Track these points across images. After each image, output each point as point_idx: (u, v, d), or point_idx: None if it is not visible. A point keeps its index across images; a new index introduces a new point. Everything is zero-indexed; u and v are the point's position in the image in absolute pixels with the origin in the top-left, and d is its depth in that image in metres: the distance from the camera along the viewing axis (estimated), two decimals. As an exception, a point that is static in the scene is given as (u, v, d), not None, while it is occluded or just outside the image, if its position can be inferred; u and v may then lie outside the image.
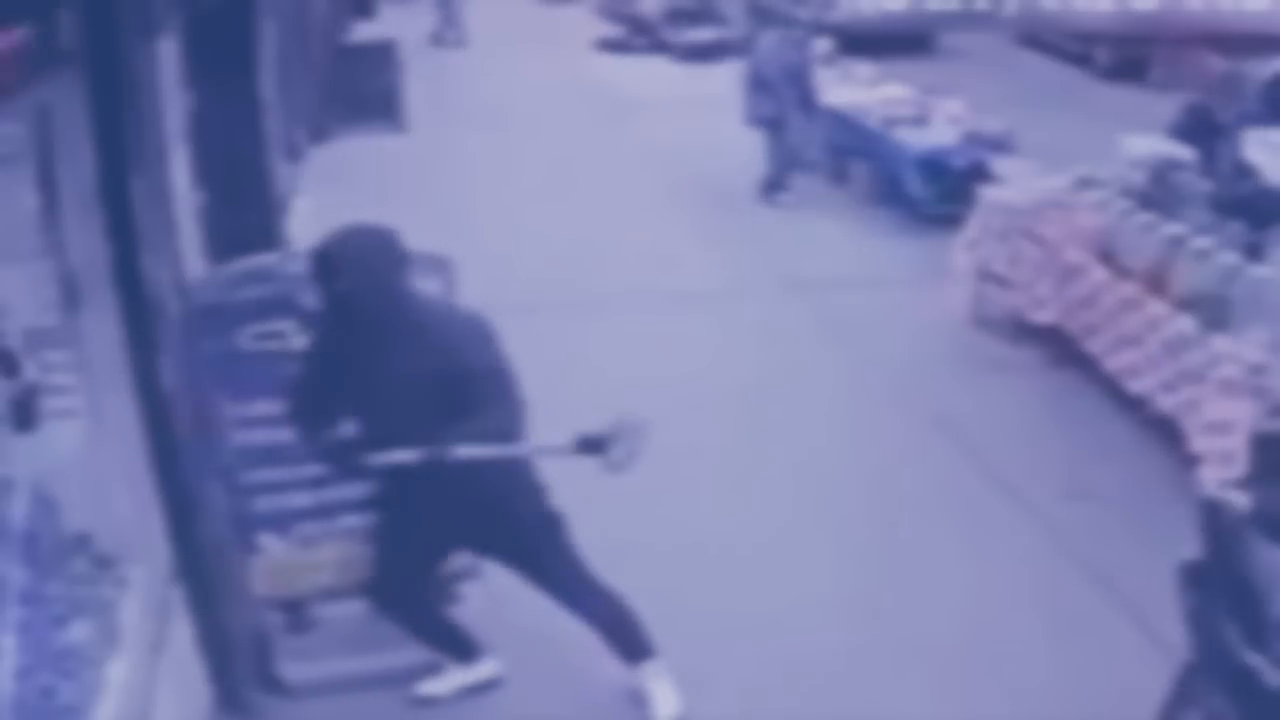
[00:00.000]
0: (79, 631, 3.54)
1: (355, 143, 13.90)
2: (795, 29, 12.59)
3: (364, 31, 18.59)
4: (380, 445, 4.18)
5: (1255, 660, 3.33)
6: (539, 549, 4.53)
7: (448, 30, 20.77)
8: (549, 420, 7.15)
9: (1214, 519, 3.62)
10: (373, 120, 14.42)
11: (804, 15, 14.74)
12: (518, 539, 4.53)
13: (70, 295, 4.07)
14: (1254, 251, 6.64)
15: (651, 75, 18.22)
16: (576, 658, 5.04)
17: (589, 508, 6.13)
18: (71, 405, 3.98)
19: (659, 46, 19.71)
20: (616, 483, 6.40)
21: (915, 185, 10.85)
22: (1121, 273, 7.17)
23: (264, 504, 4.76)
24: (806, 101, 11.81)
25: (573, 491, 6.34)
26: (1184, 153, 8.12)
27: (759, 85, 11.72)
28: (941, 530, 6.06)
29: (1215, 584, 3.54)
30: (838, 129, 12.00)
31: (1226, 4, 12.17)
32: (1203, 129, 8.57)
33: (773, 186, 11.81)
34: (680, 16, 20.19)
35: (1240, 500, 3.59)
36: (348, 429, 4.33)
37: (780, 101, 11.65)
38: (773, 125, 11.81)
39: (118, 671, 3.76)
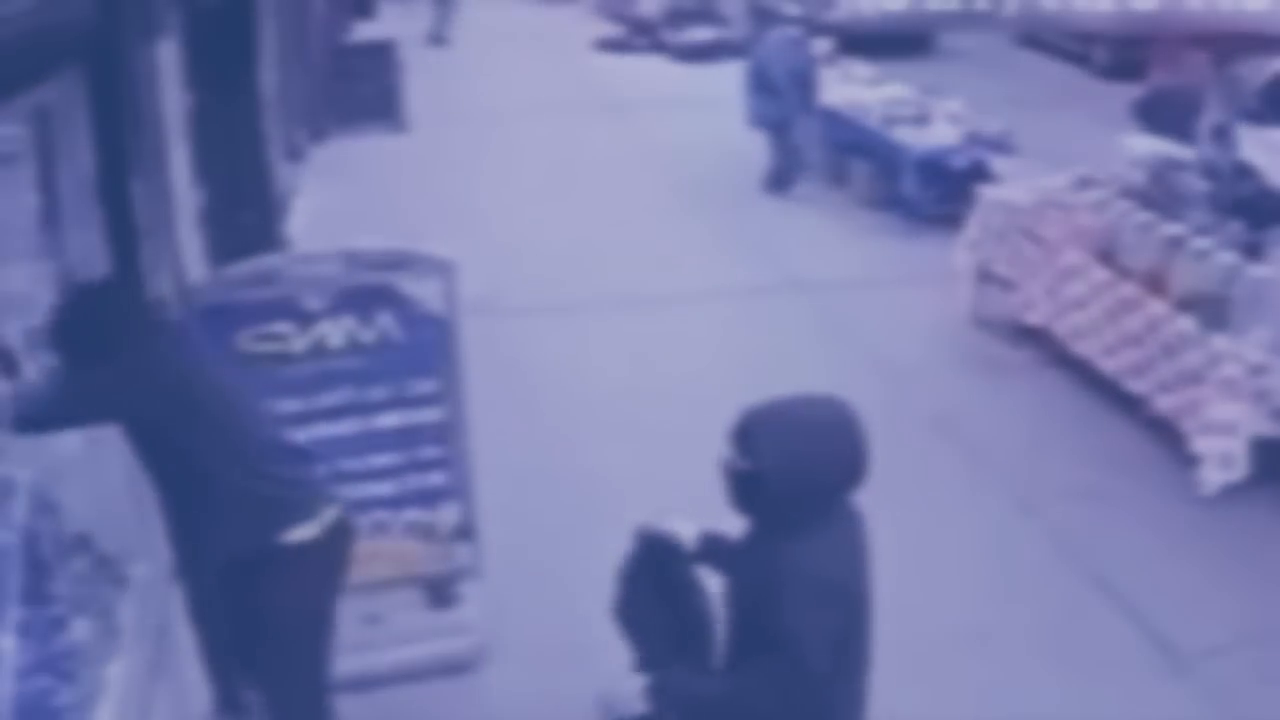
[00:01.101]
0: (79, 631, 3.54)
1: (355, 143, 13.90)
2: (795, 29, 12.60)
3: (363, 31, 18.60)
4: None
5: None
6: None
7: (441, 28, 20.87)
8: (553, 418, 7.19)
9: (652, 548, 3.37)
10: (373, 120, 14.42)
11: (800, 14, 14.80)
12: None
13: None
14: (1254, 251, 6.65)
15: (651, 75, 18.20)
16: (576, 659, 5.04)
17: (588, 506, 6.15)
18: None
19: (659, 46, 19.71)
20: (616, 482, 6.43)
21: (911, 186, 10.85)
22: (1121, 273, 7.17)
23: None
24: (810, 102, 11.85)
25: (574, 490, 6.37)
26: (1183, 152, 8.14)
27: (764, 86, 11.75)
28: (941, 530, 6.06)
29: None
30: (838, 129, 12.00)
31: (1226, 4, 12.19)
32: (1165, 111, 9.35)
33: (783, 183, 11.87)
34: (680, 17, 20.18)
35: (687, 532, 3.31)
36: None
37: (785, 102, 11.71)
38: (777, 126, 11.85)
39: (118, 671, 3.76)
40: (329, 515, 3.89)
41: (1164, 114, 9.54)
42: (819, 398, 3.10)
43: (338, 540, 3.95)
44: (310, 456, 4.08)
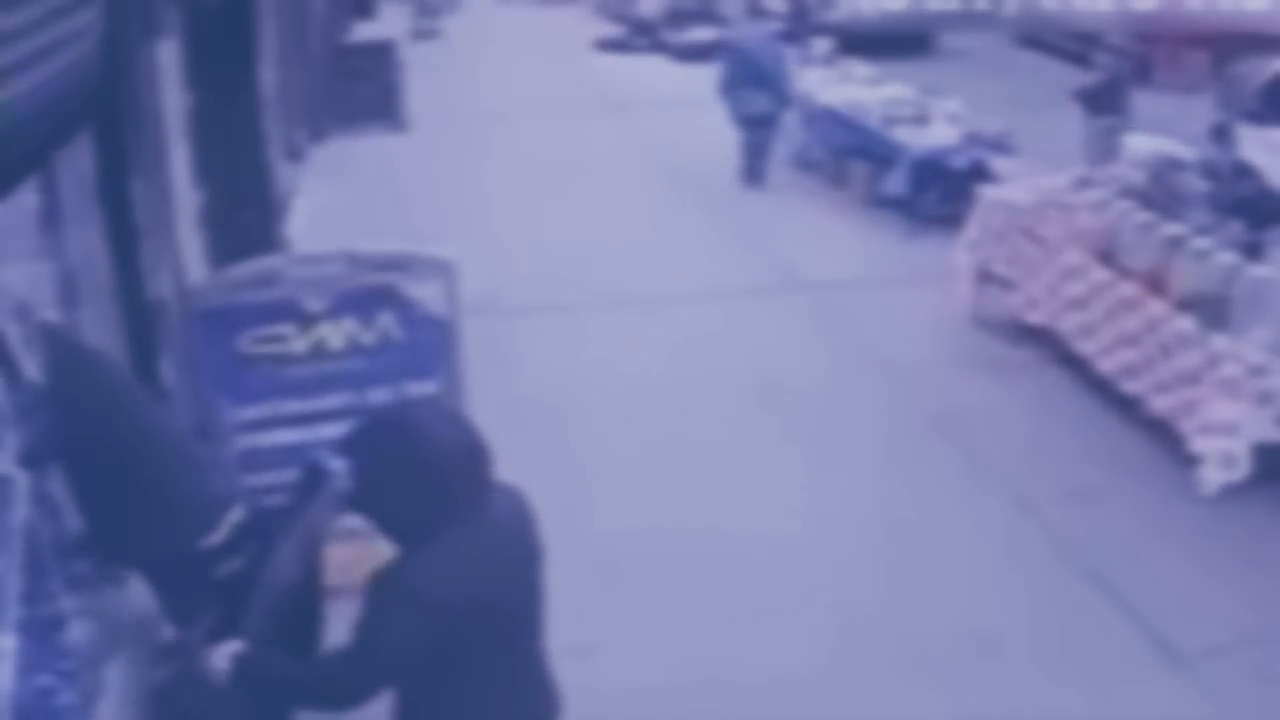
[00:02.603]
0: (79, 631, 3.53)
1: (355, 142, 13.91)
2: (773, 25, 12.91)
3: (363, 31, 18.62)
4: None
5: None
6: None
7: (424, 24, 21.35)
8: (553, 417, 7.19)
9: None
10: (373, 120, 14.43)
11: (787, 12, 15.05)
12: None
13: (70, 295, 4.07)
14: (1254, 251, 6.65)
15: (651, 75, 18.22)
16: (575, 658, 5.03)
17: (588, 505, 6.15)
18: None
19: (659, 46, 19.74)
20: (617, 480, 6.43)
21: (898, 186, 10.86)
22: (1121, 273, 7.17)
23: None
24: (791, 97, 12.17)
25: (574, 489, 6.36)
26: (1183, 151, 8.15)
27: (757, 80, 11.90)
28: (940, 530, 6.06)
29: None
30: (838, 129, 12.02)
31: (1226, 4, 12.26)
32: (1104, 96, 11.10)
33: (761, 175, 12.12)
34: (680, 16, 20.22)
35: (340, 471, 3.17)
36: None
37: (781, 96, 11.95)
38: (770, 121, 12.04)
39: (117, 671, 3.75)
40: (232, 519, 3.88)
41: (1103, 98, 11.08)
42: (418, 412, 2.99)
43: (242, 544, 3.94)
44: (214, 465, 4.07)
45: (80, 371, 3.68)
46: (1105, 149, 10.66)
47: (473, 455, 2.86)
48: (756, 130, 12.09)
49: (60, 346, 3.68)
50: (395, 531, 2.89)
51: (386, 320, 4.76)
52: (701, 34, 19.24)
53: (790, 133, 12.58)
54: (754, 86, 11.90)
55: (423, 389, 4.83)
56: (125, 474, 3.65)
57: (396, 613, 2.76)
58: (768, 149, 12.17)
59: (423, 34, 21.12)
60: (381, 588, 2.83)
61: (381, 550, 4.72)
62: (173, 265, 4.68)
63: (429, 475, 2.76)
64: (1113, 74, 11.38)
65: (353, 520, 4.77)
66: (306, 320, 4.65)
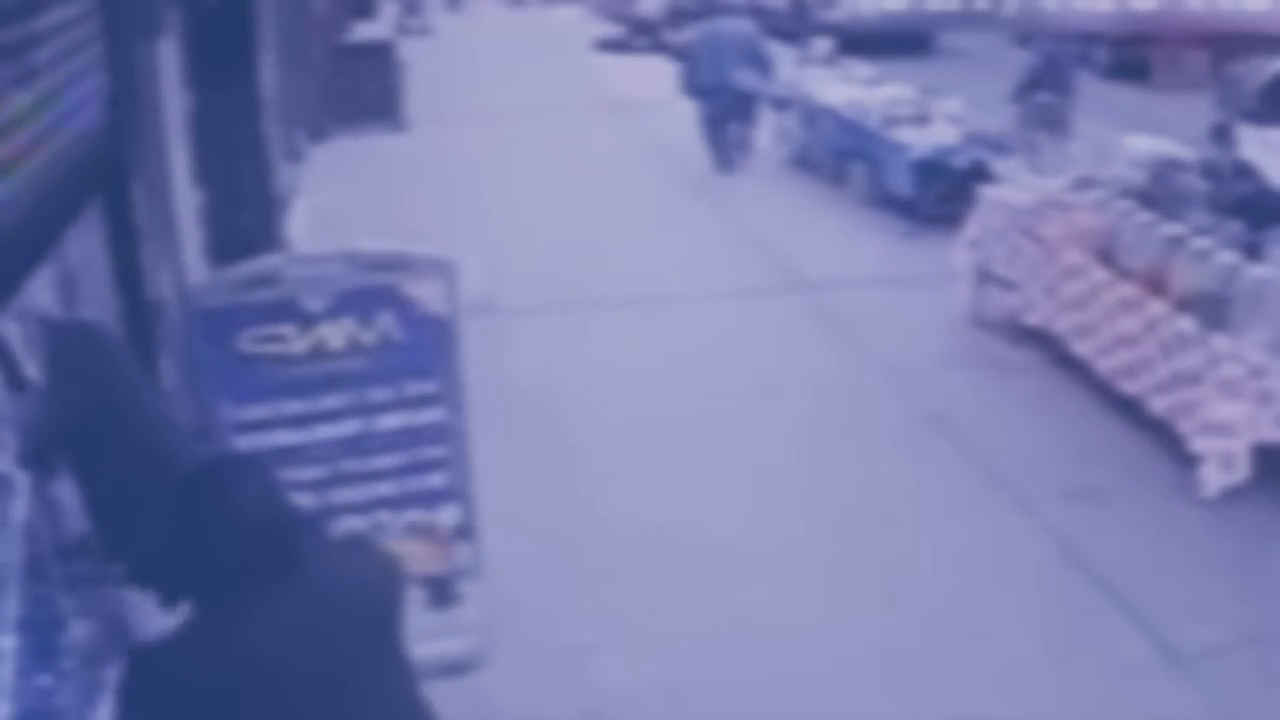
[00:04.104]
0: (79, 631, 3.53)
1: (355, 142, 13.91)
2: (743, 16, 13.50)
3: (362, 31, 18.65)
4: None
5: None
6: None
7: (408, 22, 21.73)
8: (554, 416, 7.19)
9: None
10: (373, 120, 14.45)
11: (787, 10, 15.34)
12: None
13: (70, 295, 4.07)
14: (1254, 251, 6.65)
15: (651, 75, 18.22)
16: (574, 659, 5.04)
17: (588, 505, 6.15)
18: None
19: (659, 46, 19.78)
20: (615, 481, 6.43)
21: (901, 185, 10.88)
22: (1121, 273, 7.17)
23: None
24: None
25: (575, 489, 6.37)
26: (1183, 151, 8.15)
27: (752, 59, 12.27)
28: (939, 530, 6.06)
29: None
30: (838, 129, 12.03)
31: (1226, 4, 12.31)
32: (1045, 76, 11.69)
33: (738, 159, 12.58)
34: (680, 16, 20.26)
35: None
36: None
37: (769, 75, 12.34)
38: (756, 98, 12.46)
39: (117, 671, 3.75)
40: None
41: (1044, 80, 11.60)
42: (225, 475, 2.86)
43: None
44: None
45: (83, 347, 3.66)
46: (1048, 123, 11.28)
47: (276, 525, 2.76)
48: (739, 110, 12.42)
49: (61, 329, 3.67)
50: (180, 593, 2.85)
51: (386, 320, 4.75)
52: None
53: (790, 133, 12.62)
54: (753, 64, 12.24)
55: (422, 388, 4.84)
56: (115, 457, 3.62)
57: (160, 679, 2.71)
58: (751, 125, 12.53)
59: (409, 31, 21.34)
60: (158, 652, 2.78)
61: (405, 549, 4.76)
62: (173, 265, 4.68)
63: (221, 542, 2.67)
64: (1049, 56, 11.84)
65: (353, 522, 4.80)
66: (306, 320, 4.64)
